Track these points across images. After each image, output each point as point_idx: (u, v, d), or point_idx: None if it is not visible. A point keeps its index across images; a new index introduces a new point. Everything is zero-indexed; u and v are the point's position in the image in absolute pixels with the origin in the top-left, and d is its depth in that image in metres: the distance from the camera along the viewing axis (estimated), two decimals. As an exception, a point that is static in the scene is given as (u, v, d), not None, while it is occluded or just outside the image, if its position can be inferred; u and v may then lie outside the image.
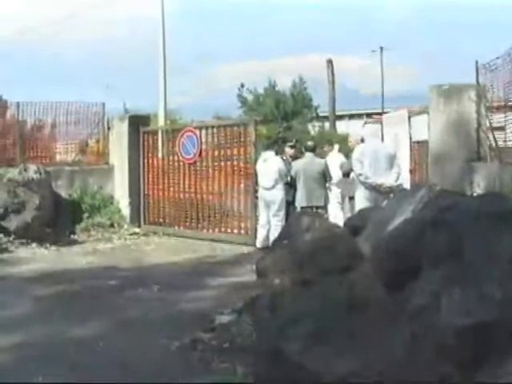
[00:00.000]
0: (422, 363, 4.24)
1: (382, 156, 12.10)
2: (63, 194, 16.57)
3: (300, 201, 13.49)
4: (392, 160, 12.22)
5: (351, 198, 14.12)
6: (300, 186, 13.52)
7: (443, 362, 4.14)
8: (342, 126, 49.32)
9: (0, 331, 7.48)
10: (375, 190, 11.73)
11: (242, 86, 46.29)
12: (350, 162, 14.09)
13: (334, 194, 14.78)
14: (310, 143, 15.05)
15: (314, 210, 12.86)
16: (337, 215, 14.53)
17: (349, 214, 12.46)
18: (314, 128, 43.62)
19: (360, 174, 11.97)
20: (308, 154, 13.99)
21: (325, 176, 13.80)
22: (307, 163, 13.78)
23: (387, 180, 11.85)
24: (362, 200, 11.83)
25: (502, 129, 11.08)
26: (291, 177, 13.82)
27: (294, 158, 14.37)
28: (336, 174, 14.46)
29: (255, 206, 14.04)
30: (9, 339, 7.16)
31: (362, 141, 13.26)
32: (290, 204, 13.83)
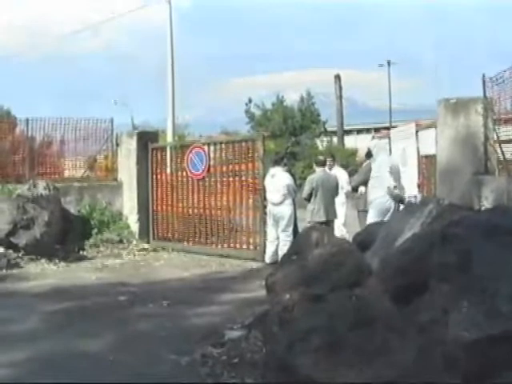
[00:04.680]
0: (430, 376, 4.24)
1: (398, 170, 12.23)
2: (72, 209, 16.62)
3: (317, 216, 13.14)
4: (399, 173, 12.33)
5: (363, 211, 14.11)
6: (317, 200, 13.20)
7: (451, 375, 4.14)
8: (350, 141, 49.47)
9: (10, 346, 7.51)
10: (400, 202, 11.77)
11: (250, 101, 46.37)
12: (360, 175, 14.10)
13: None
14: (321, 158, 14.89)
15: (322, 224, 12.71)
16: (342, 228, 14.53)
17: (358, 228, 12.42)
18: (322, 143, 43.63)
19: (395, 187, 11.97)
20: (320, 169, 13.78)
21: (337, 190, 13.68)
22: (324, 178, 13.56)
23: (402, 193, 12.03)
24: (387, 213, 11.74)
25: (509, 142, 11.07)
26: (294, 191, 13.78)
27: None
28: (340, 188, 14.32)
29: (264, 222, 14.02)
30: (19, 354, 7.18)
31: (368, 155, 13.21)
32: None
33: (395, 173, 12.11)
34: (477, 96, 11.56)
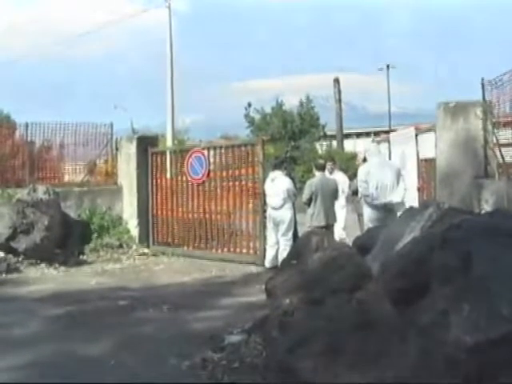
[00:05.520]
0: (431, 378, 4.24)
1: (387, 173, 12.10)
2: (72, 214, 16.60)
3: (317, 220, 12.95)
4: (398, 176, 12.21)
5: (361, 215, 14.11)
6: (317, 205, 13.01)
7: (452, 378, 4.14)
8: (349, 145, 49.50)
9: (11, 351, 7.50)
10: (383, 208, 11.72)
11: (250, 105, 46.33)
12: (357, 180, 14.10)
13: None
14: (320, 161, 14.81)
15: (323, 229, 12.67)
16: (342, 232, 14.51)
17: (358, 232, 12.42)
18: (321, 147, 43.64)
19: (367, 196, 11.96)
20: (319, 173, 13.67)
21: (336, 194, 13.61)
22: (323, 182, 13.40)
23: (395, 197, 11.86)
24: (370, 219, 11.82)
25: (509, 145, 11.08)
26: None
27: None
28: (340, 192, 14.27)
29: (264, 226, 14.00)
30: (20, 358, 7.18)
31: (365, 160, 13.23)
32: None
33: (378, 176, 12.04)
34: (476, 99, 11.57)
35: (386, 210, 11.58)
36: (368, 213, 12.06)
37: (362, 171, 12.38)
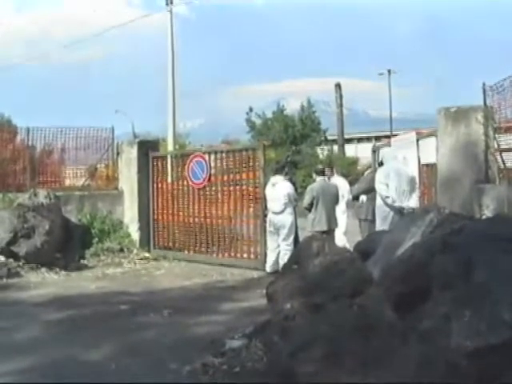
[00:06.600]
0: (432, 382, 4.24)
1: (404, 178, 12.13)
2: (73, 218, 16.57)
3: (318, 225, 13.01)
4: (413, 183, 12.26)
5: (364, 220, 14.11)
6: (318, 210, 13.08)
7: (453, 382, 4.14)
8: (350, 150, 49.57)
9: (12, 355, 7.49)
10: (400, 212, 11.72)
11: (251, 110, 46.38)
12: (362, 184, 14.09)
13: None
14: (320, 167, 14.88)
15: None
16: (343, 238, 14.49)
17: (359, 237, 12.41)
18: (322, 152, 43.68)
19: (387, 197, 11.95)
20: (320, 178, 13.70)
21: (337, 199, 13.61)
22: (324, 187, 13.46)
23: (410, 203, 11.89)
24: (385, 221, 11.81)
25: (510, 150, 11.07)
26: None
27: None
28: (340, 197, 14.27)
29: (264, 231, 13.99)
30: (21, 363, 7.17)
31: (381, 164, 13.24)
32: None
33: (397, 181, 12.05)
34: (477, 105, 11.57)
35: (402, 214, 11.58)
36: (385, 214, 12.02)
37: (381, 173, 12.37)
